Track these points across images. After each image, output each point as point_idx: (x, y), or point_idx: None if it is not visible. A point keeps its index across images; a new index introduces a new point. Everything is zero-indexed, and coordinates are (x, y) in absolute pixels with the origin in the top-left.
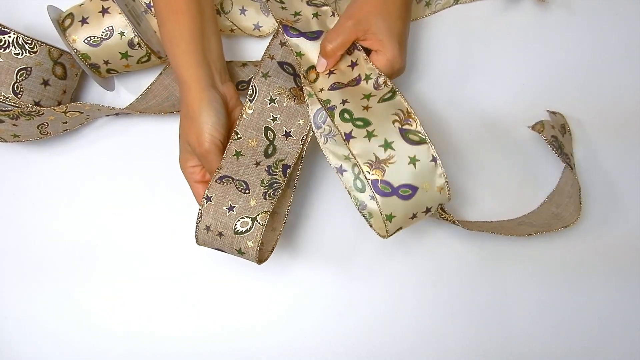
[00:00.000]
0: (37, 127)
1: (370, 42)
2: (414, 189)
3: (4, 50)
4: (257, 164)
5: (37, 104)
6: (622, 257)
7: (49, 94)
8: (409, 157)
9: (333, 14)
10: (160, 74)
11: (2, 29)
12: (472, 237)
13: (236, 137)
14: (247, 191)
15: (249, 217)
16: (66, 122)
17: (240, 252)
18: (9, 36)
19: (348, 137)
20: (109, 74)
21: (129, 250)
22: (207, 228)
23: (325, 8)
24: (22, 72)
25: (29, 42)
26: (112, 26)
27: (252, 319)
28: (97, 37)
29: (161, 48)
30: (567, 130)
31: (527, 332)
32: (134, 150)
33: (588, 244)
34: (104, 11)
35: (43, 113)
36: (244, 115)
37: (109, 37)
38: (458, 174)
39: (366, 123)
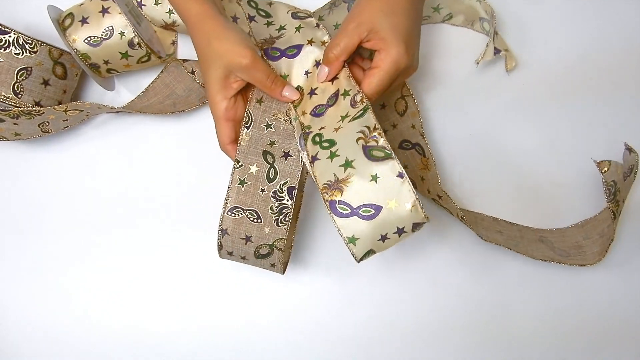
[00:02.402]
0: (38, 125)
1: (374, 42)
2: (377, 208)
3: (4, 50)
4: (262, 190)
5: (37, 103)
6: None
7: (49, 93)
8: (370, 174)
9: (317, 25)
10: (162, 71)
11: (3, 28)
12: (473, 237)
13: (237, 166)
14: (259, 220)
15: (267, 245)
16: (67, 120)
17: (265, 268)
18: (9, 36)
19: (314, 159)
20: (109, 74)
21: (129, 249)
22: (230, 254)
23: (309, 20)
24: (22, 72)
25: (29, 42)
26: (112, 26)
27: (252, 318)
28: (97, 37)
29: (161, 48)
30: (634, 172)
31: (527, 332)
32: (134, 148)
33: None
34: (104, 11)
35: (43, 112)
36: (242, 142)
37: (109, 37)
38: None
39: (331, 144)
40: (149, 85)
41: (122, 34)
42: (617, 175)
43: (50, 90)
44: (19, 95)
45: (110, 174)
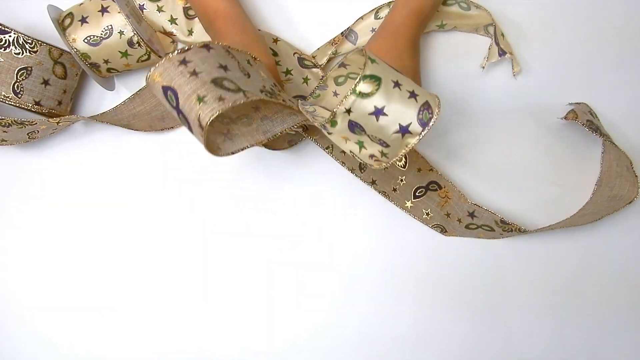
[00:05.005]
0: (27, 133)
1: None
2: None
3: (4, 50)
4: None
5: (37, 103)
6: None
7: (49, 93)
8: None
9: (322, 78)
10: None
11: (3, 28)
12: (472, 238)
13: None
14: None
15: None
16: (56, 129)
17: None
18: (9, 36)
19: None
20: (109, 73)
21: (125, 251)
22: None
23: (315, 70)
24: (22, 71)
25: (29, 41)
26: (111, 25)
27: (252, 318)
28: (97, 37)
29: (161, 47)
30: (595, 116)
31: (527, 332)
32: (130, 151)
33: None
34: (104, 10)
35: (36, 123)
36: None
37: (109, 36)
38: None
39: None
40: (136, 93)
41: (121, 33)
42: (588, 115)
43: (50, 90)
44: (19, 95)
45: (106, 176)
